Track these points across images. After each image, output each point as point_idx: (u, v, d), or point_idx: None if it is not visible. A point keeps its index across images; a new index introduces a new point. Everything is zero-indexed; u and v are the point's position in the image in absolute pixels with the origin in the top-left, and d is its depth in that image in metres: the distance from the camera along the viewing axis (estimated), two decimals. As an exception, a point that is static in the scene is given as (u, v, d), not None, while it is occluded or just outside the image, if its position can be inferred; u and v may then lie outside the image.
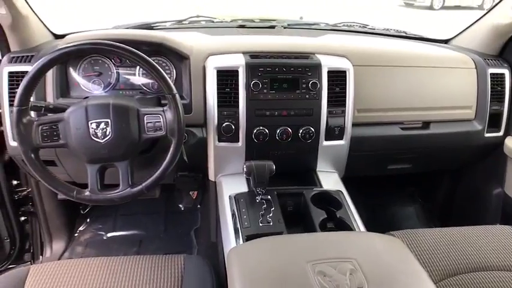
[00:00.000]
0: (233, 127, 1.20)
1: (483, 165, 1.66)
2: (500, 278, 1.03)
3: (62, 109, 1.04)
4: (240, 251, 0.83)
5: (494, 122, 1.49)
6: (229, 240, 1.02)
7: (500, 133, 1.51)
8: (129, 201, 1.06)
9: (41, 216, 1.64)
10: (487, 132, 1.48)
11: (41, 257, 1.70)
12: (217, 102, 1.19)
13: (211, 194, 1.36)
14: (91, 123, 0.99)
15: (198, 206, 1.95)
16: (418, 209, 1.99)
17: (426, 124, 1.43)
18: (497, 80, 1.46)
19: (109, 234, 1.83)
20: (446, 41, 1.76)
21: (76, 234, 1.82)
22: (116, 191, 1.03)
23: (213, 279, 1.01)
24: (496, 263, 1.07)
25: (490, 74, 1.45)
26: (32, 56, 1.24)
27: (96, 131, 0.99)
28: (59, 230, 1.72)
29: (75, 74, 1.24)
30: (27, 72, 0.96)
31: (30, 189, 1.58)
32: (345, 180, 1.29)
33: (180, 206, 1.97)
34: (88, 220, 1.88)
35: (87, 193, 1.03)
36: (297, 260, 0.76)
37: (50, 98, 1.19)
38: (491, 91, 1.45)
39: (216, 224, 1.38)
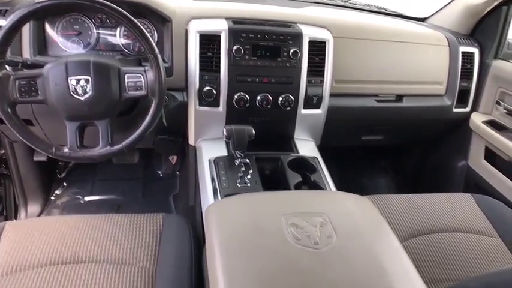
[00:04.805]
0: (214, 92, 1.21)
1: (450, 139, 1.75)
2: (456, 238, 1.12)
3: (39, 65, 1.03)
4: (218, 206, 0.86)
5: (462, 98, 1.56)
6: (208, 200, 1.05)
7: (467, 109, 1.59)
8: (109, 159, 1.07)
9: (16, 178, 1.63)
10: (455, 108, 1.56)
11: (14, 220, 1.69)
12: (199, 67, 1.20)
13: (190, 158, 1.38)
14: (71, 80, 0.98)
15: (177, 172, 1.97)
16: (389, 180, 2.09)
17: (399, 97, 1.49)
18: (468, 58, 1.53)
19: (86, 199, 1.83)
20: (423, 19, 1.81)
21: (52, 198, 1.81)
22: (95, 149, 1.04)
23: (190, 234, 1.05)
24: (454, 225, 1.16)
25: (462, 52, 1.51)
26: (7, 10, 1.20)
27: (76, 87, 0.99)
28: (35, 192, 1.72)
29: (52, 32, 1.21)
30: (1, 26, 0.94)
31: (3, 151, 1.56)
32: (321, 149, 1.33)
33: (159, 172, 1.98)
34: (65, 184, 1.87)
35: (66, 150, 1.03)
36: (271, 213, 0.80)
37: (27, 54, 1.16)
38: (461, 68, 1.52)
39: (194, 188, 1.41)
